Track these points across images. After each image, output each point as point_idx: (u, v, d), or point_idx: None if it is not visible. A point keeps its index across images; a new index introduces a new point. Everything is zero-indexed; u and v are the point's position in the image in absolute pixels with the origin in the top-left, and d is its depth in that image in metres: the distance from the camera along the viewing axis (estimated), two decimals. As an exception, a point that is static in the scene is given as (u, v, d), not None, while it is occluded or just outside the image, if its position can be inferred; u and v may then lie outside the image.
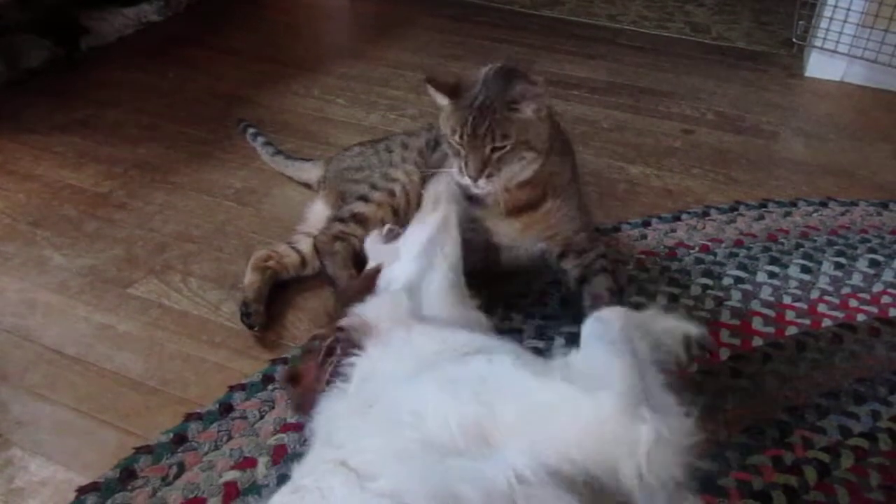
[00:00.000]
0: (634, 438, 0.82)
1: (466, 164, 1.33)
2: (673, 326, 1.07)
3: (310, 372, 1.12)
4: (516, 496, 0.78)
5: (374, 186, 1.59)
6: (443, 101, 1.39)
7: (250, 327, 1.47)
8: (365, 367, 1.03)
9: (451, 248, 1.28)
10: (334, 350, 1.08)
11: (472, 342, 1.05)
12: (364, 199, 1.58)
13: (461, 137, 1.32)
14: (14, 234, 1.75)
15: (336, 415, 0.99)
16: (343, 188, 1.67)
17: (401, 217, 1.54)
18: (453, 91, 1.36)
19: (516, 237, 1.46)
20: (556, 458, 0.81)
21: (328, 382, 1.04)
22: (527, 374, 0.91)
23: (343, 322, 1.10)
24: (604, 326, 1.01)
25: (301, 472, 0.90)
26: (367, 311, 1.12)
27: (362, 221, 1.55)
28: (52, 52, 2.60)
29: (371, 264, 1.35)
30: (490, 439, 0.83)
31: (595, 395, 0.84)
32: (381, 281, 1.24)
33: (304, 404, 1.11)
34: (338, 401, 1.01)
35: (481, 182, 1.33)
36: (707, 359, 1.40)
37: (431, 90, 1.39)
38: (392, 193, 1.58)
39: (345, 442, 0.90)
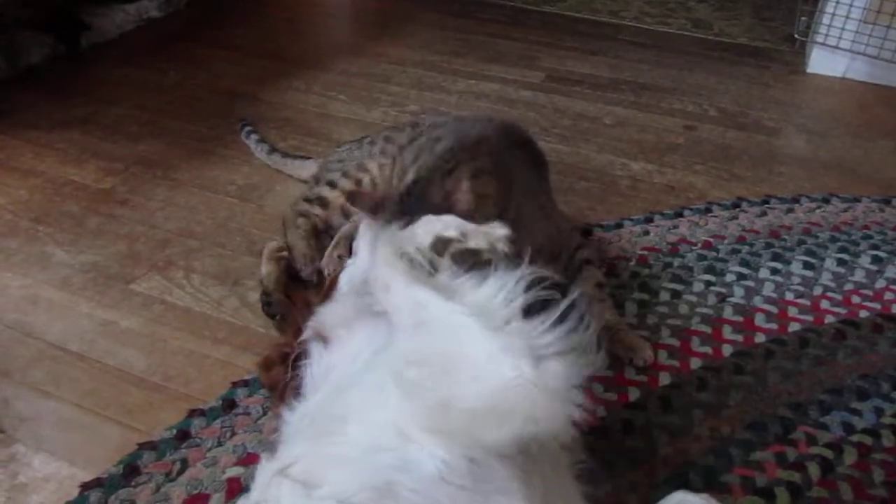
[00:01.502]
0: (522, 378, 0.82)
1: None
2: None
3: (282, 373, 1.15)
4: (446, 479, 0.80)
5: (345, 174, 1.65)
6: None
7: (272, 316, 1.48)
8: (313, 375, 1.05)
9: None
10: (298, 359, 1.10)
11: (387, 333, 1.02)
12: (331, 184, 1.65)
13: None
14: (16, 230, 1.75)
15: (291, 425, 1.01)
16: (320, 174, 1.73)
17: None
18: (376, 209, 1.28)
19: None
20: (471, 444, 0.82)
21: (291, 392, 1.07)
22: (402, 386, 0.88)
23: (303, 335, 1.12)
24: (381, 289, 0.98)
25: (254, 486, 0.91)
26: (320, 318, 1.13)
27: (324, 205, 1.64)
28: (52, 49, 2.60)
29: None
30: (409, 434, 0.84)
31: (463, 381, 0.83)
32: (341, 282, 1.24)
33: (279, 391, 1.14)
34: (294, 412, 1.02)
35: None
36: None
37: (353, 207, 1.39)
38: (359, 183, 1.62)
39: (288, 451, 0.92)
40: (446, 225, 1.01)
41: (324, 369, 1.03)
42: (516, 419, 0.82)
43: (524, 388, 0.81)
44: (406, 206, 1.21)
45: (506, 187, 1.31)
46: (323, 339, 1.08)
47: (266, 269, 1.56)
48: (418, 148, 1.52)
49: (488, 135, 1.46)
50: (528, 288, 0.90)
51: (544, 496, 0.84)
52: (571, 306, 0.88)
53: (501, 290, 0.89)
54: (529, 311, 0.88)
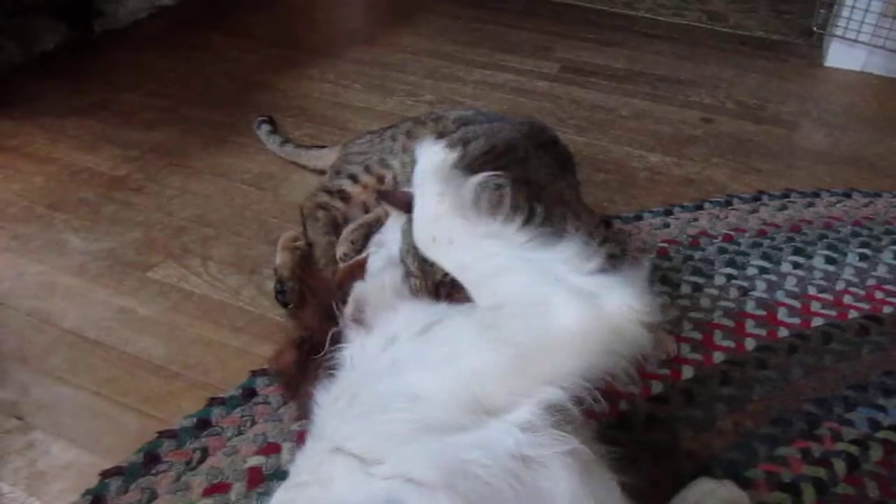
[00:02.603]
0: (607, 316, 0.83)
1: (418, 288, 1.13)
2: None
3: (292, 359, 1.14)
4: (524, 450, 0.78)
5: (367, 169, 1.61)
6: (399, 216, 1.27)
7: (285, 305, 1.47)
8: (351, 356, 1.02)
9: None
10: (323, 345, 1.07)
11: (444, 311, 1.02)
12: (353, 178, 1.60)
13: (413, 257, 1.14)
14: (32, 217, 1.74)
15: (325, 406, 0.98)
16: (340, 166, 1.69)
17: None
18: (409, 207, 1.20)
19: None
20: (553, 391, 0.82)
21: (320, 376, 1.04)
22: (486, 344, 0.87)
23: (337, 314, 1.10)
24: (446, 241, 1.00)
25: (297, 469, 0.90)
26: (362, 290, 1.12)
27: (345, 199, 1.60)
28: (66, 36, 2.58)
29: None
30: (487, 406, 0.82)
31: (544, 319, 0.84)
32: (370, 267, 1.23)
33: (290, 389, 1.14)
34: (328, 392, 1.00)
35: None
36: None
37: (385, 205, 1.33)
38: (381, 179, 1.59)
39: (335, 430, 0.89)
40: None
41: (361, 348, 1.01)
42: (594, 359, 0.82)
43: (601, 320, 0.82)
44: None
45: (535, 192, 1.28)
46: (358, 319, 1.06)
47: (281, 258, 1.55)
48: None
49: (519, 139, 1.43)
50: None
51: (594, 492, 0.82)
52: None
53: (578, 249, 0.89)
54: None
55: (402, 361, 0.93)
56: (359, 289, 1.13)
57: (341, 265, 1.41)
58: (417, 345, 0.94)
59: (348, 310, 1.09)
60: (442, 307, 1.03)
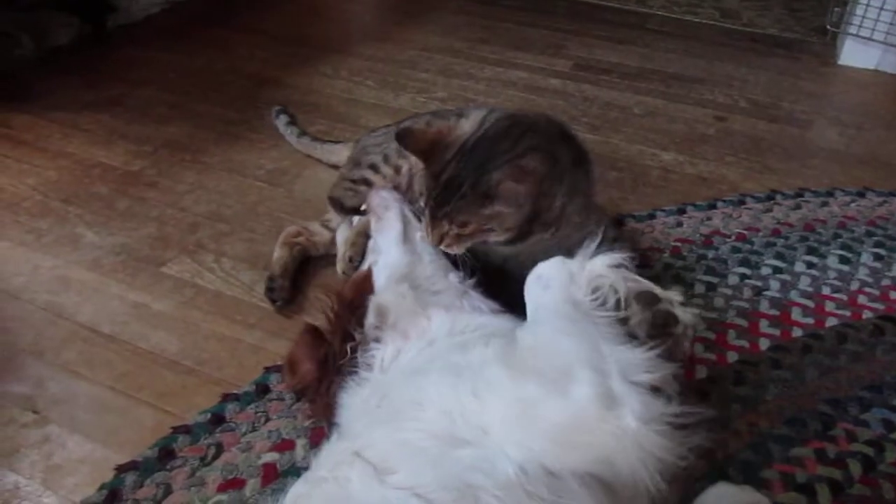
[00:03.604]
0: (618, 428, 0.84)
1: (427, 231, 1.24)
2: (606, 268, 1.06)
3: (310, 367, 1.16)
4: (524, 486, 0.80)
5: (386, 158, 1.60)
6: (417, 161, 1.28)
7: (273, 301, 1.48)
8: (383, 359, 1.05)
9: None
10: (344, 353, 1.10)
11: (479, 324, 1.08)
12: (374, 168, 1.59)
13: (425, 205, 1.22)
14: (47, 211, 1.75)
15: (353, 406, 1.01)
16: (359, 157, 1.67)
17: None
18: (427, 153, 1.23)
19: (509, 256, 1.32)
20: (551, 458, 0.83)
21: (345, 376, 1.07)
22: (505, 371, 0.91)
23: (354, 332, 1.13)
24: (542, 286, 1.05)
25: (319, 464, 0.92)
26: (382, 301, 1.14)
27: (370, 187, 1.57)
28: (79, 31, 2.59)
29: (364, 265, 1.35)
30: (488, 430, 0.85)
31: (564, 394, 0.86)
32: (376, 278, 1.24)
33: (307, 394, 1.16)
34: (355, 394, 1.03)
35: (442, 247, 1.24)
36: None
37: (404, 151, 1.31)
38: (398, 170, 1.57)
39: (359, 433, 0.92)
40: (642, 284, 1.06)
41: (391, 353, 1.03)
42: (591, 453, 0.83)
43: (619, 433, 0.84)
44: (456, 160, 1.20)
45: (556, 183, 1.28)
46: (381, 327, 1.08)
47: (277, 253, 1.56)
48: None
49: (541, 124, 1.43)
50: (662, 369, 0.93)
51: None
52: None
53: (646, 359, 0.92)
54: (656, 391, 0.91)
55: (430, 373, 0.96)
56: (377, 300, 1.14)
57: (346, 279, 1.41)
58: (450, 356, 0.96)
59: (370, 320, 1.11)
60: (479, 318, 1.08)
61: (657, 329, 1.03)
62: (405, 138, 1.27)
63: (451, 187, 1.19)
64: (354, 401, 1.00)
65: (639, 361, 0.91)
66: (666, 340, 1.00)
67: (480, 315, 1.14)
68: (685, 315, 1.06)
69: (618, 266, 1.05)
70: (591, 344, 0.92)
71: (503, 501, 0.77)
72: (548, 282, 1.05)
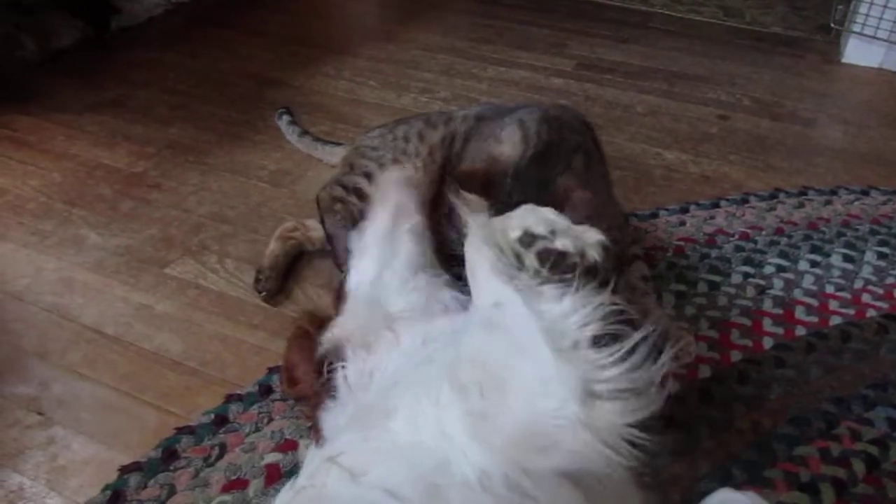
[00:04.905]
0: (564, 419, 0.82)
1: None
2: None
3: (308, 379, 1.19)
4: (487, 489, 0.79)
5: (382, 167, 1.59)
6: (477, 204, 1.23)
7: (258, 292, 1.50)
8: (352, 374, 1.08)
9: (413, 225, 1.32)
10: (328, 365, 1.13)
11: (448, 328, 1.06)
12: (369, 176, 1.57)
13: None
14: (50, 213, 1.75)
15: (331, 419, 1.05)
16: (354, 160, 1.65)
17: None
18: (486, 188, 1.21)
19: None
20: (510, 463, 0.81)
21: (328, 391, 1.10)
22: (448, 385, 0.88)
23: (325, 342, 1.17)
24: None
25: (302, 473, 0.93)
26: (343, 326, 1.18)
27: (361, 197, 1.56)
28: (82, 32, 2.60)
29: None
30: (451, 437, 0.84)
31: (504, 403, 0.84)
32: (348, 285, 1.26)
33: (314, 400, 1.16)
34: (333, 407, 1.06)
35: None
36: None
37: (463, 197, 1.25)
38: None
39: (333, 444, 0.94)
40: (539, 219, 0.96)
41: (367, 368, 1.06)
42: (557, 453, 0.81)
43: (568, 424, 0.81)
44: (518, 185, 1.19)
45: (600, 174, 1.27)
46: (349, 342, 1.13)
47: (271, 246, 1.57)
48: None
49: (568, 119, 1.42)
50: (604, 317, 0.87)
51: None
52: (642, 341, 0.86)
53: (578, 311, 0.87)
54: (598, 341, 0.86)
55: (396, 380, 0.98)
56: (331, 338, 1.18)
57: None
58: (418, 367, 0.98)
59: (330, 362, 1.14)
60: (449, 321, 1.08)
61: (556, 270, 0.92)
62: (465, 182, 1.25)
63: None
64: (331, 416, 1.04)
65: (566, 326, 0.86)
66: (573, 277, 0.90)
67: (453, 315, 1.13)
68: (570, 246, 0.94)
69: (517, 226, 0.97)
70: (513, 344, 0.89)
71: (468, 500, 0.78)
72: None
